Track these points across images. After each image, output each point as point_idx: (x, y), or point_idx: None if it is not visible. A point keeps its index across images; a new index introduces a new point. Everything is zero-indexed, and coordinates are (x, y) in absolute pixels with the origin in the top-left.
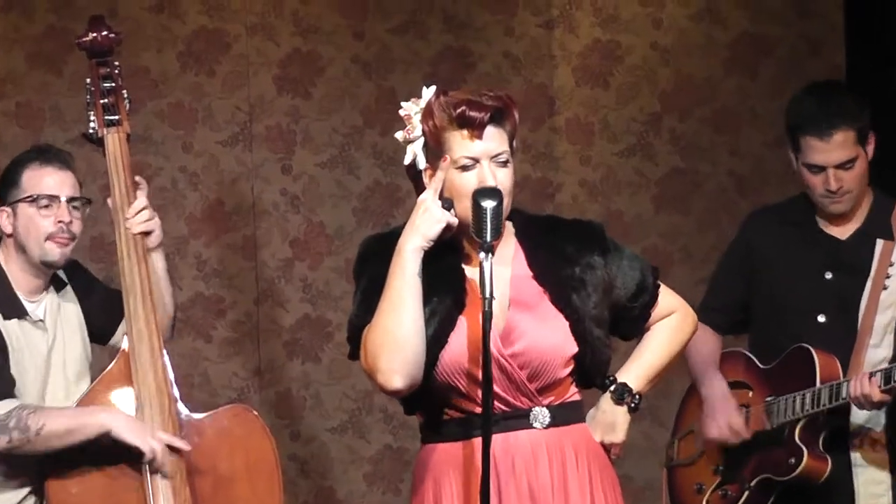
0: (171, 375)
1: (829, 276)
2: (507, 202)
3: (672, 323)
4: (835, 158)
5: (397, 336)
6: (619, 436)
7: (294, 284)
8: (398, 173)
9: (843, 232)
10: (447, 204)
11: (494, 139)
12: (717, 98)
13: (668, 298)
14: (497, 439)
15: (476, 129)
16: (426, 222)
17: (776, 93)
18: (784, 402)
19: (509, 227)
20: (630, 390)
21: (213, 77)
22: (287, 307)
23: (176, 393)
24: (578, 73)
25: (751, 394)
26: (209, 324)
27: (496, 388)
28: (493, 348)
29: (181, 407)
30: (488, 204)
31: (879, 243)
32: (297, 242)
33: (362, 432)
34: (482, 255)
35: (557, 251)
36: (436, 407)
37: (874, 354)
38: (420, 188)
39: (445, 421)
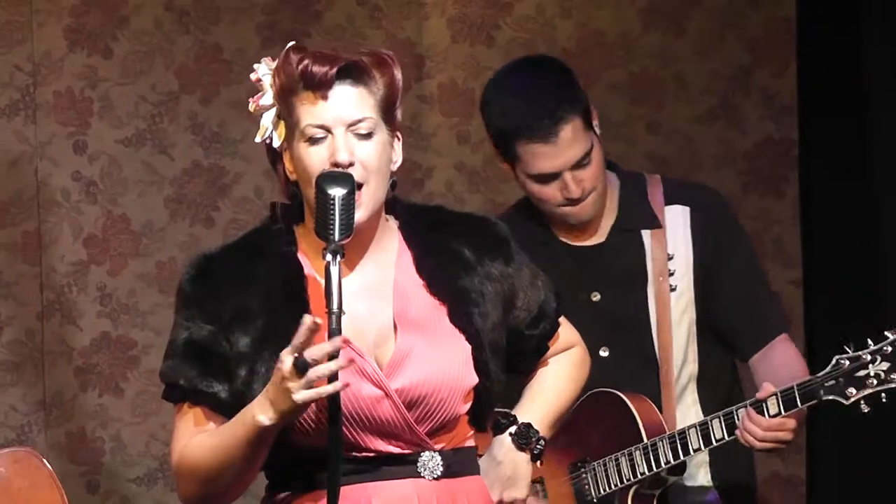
0: None
1: (596, 297)
2: (375, 185)
3: (574, 358)
4: (570, 159)
5: (210, 490)
6: (521, 490)
7: (89, 294)
8: (224, 152)
9: (593, 234)
10: (302, 365)
11: (349, 101)
12: (632, 60)
13: (567, 331)
14: (375, 489)
15: (320, 87)
16: (280, 402)
17: (708, 53)
18: (602, 468)
19: (392, 223)
20: (536, 432)
21: None
22: (80, 324)
23: None
24: (455, 26)
25: (539, 463)
26: None
27: (368, 433)
28: (363, 385)
29: None
30: (336, 192)
31: (646, 234)
32: (93, 241)
33: (175, 485)
34: (328, 257)
35: (453, 255)
36: (296, 454)
37: (681, 375)
38: (281, 174)
39: (308, 465)
